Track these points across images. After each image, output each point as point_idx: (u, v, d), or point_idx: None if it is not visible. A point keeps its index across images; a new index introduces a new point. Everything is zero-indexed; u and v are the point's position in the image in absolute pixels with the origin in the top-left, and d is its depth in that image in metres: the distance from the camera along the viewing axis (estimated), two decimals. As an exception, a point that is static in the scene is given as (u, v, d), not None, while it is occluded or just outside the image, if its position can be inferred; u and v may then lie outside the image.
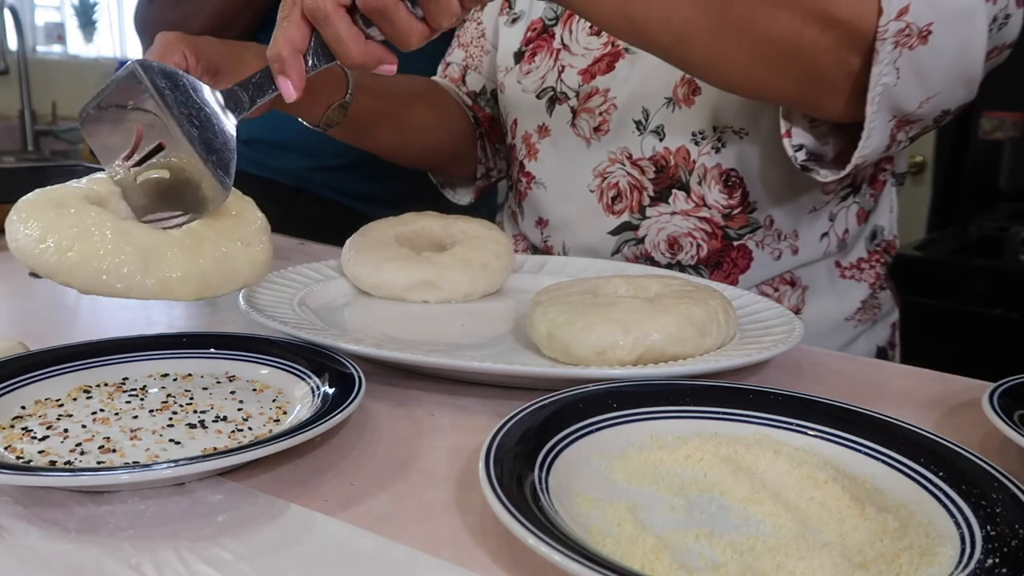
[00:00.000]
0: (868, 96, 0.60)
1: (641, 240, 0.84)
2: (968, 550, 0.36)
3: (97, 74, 3.07)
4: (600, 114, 0.85)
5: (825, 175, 0.69)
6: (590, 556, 0.32)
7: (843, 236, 0.85)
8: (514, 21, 0.94)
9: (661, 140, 0.82)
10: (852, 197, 0.85)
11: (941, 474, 0.41)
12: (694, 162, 0.81)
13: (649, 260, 0.85)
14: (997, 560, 0.34)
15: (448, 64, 1.04)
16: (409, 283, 0.72)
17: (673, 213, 0.83)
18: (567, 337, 0.57)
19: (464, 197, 1.06)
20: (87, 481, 0.40)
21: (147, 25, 1.22)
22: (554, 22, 0.89)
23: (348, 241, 0.77)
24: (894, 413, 0.47)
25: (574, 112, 0.87)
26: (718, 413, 0.48)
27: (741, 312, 0.66)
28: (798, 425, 0.47)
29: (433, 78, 1.04)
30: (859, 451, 0.45)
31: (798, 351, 0.66)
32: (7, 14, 2.65)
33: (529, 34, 0.91)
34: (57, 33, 3.29)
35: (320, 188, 1.25)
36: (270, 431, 0.47)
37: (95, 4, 3.23)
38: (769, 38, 0.60)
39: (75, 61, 3.26)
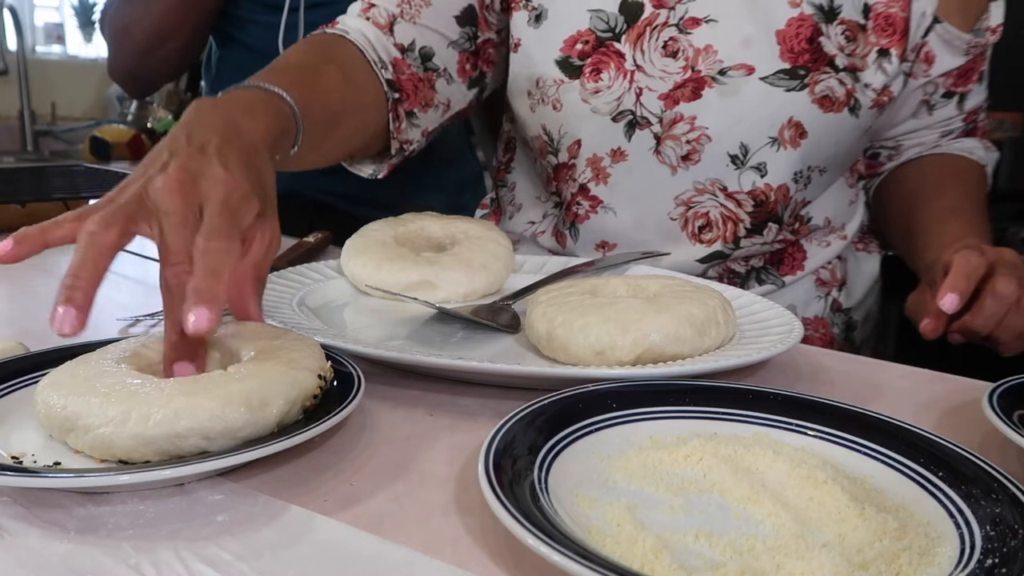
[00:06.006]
0: None
1: (724, 260, 0.89)
2: (968, 550, 0.36)
3: (97, 74, 3.07)
4: (688, 143, 0.82)
5: None
6: (590, 556, 0.32)
7: (862, 221, 0.98)
8: (538, 18, 0.86)
9: (763, 176, 0.83)
10: (859, 185, 0.98)
11: (941, 474, 0.41)
12: (791, 198, 0.85)
13: (730, 272, 0.90)
14: (997, 560, 0.34)
15: (372, 5, 0.85)
16: (409, 283, 0.71)
17: (764, 243, 0.88)
18: (566, 337, 0.57)
19: (366, 169, 0.88)
20: (87, 483, 0.40)
21: (104, 26, 1.24)
22: (609, 35, 0.83)
23: (348, 241, 0.77)
24: (894, 413, 0.47)
25: (658, 139, 0.83)
26: (717, 413, 0.48)
27: (740, 312, 0.66)
28: (797, 425, 0.47)
29: (343, 29, 0.83)
30: (859, 451, 0.45)
31: (797, 351, 0.66)
32: (7, 14, 2.64)
33: (581, 46, 0.84)
34: (56, 33, 3.28)
35: (310, 191, 1.25)
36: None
37: (95, 4, 3.22)
38: None
39: (75, 61, 3.25)
